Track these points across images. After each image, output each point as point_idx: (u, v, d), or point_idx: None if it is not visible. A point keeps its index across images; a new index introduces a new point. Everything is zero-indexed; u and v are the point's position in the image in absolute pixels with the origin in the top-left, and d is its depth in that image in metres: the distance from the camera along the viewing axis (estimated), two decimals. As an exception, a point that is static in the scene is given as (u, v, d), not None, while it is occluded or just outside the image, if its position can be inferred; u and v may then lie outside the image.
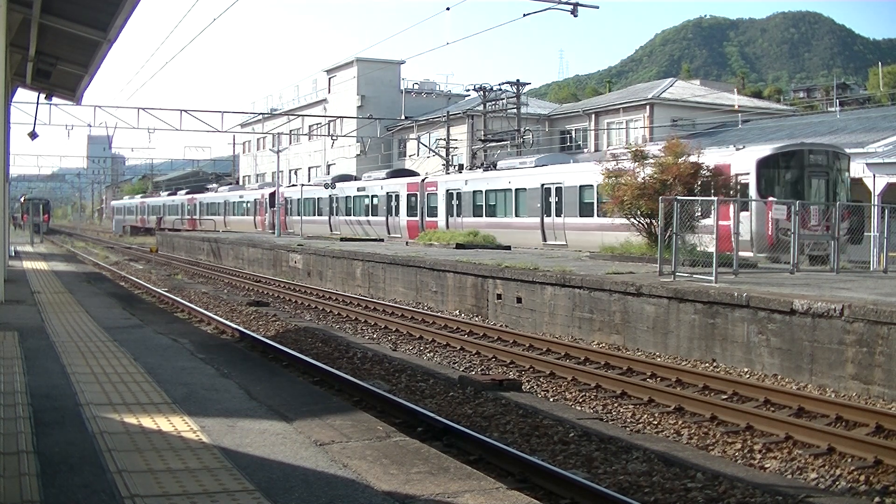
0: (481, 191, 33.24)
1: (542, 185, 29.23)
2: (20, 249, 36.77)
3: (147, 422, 6.63)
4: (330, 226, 45.02)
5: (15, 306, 15.01)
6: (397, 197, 38.92)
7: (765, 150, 21.82)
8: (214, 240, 43.62)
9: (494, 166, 35.48)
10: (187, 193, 70.06)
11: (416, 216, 37.38)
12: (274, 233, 46.16)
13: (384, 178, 41.21)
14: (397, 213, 38.88)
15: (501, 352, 14.54)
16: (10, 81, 19.55)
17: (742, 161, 21.36)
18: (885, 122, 32.70)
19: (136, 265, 39.23)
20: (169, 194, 76.68)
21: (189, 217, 66.09)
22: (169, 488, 4.97)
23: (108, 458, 5.58)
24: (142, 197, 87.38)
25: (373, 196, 41.34)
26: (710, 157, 21.34)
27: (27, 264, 27.94)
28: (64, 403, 7.21)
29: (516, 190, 31.04)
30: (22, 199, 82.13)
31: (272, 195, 50.41)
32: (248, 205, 55.76)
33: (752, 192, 20.74)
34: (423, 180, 37.46)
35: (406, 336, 16.94)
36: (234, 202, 58.58)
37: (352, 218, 43.07)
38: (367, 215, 41.60)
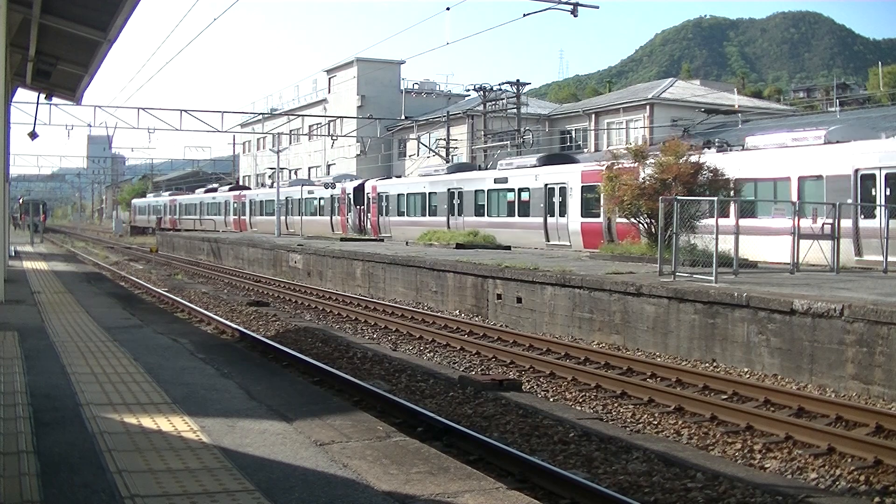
0: None
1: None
2: (20, 249, 36.76)
3: (147, 422, 6.63)
4: (449, 226, 34.16)
5: (15, 306, 15.00)
6: (563, 191, 28.51)
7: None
8: (214, 240, 43.64)
9: None
10: (231, 190, 62.66)
11: (598, 217, 26.70)
12: (363, 235, 39.41)
13: (538, 166, 30.69)
14: (563, 213, 28.63)
15: (501, 352, 14.54)
16: (10, 81, 19.54)
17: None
18: (885, 122, 32.67)
19: (136, 265, 39.23)
20: (205, 191, 67.98)
21: (235, 217, 58.02)
22: (169, 488, 4.96)
23: (108, 458, 5.58)
24: (170, 194, 78.52)
25: (520, 190, 30.71)
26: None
27: (27, 264, 27.94)
28: (64, 403, 7.21)
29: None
30: (20, 201, 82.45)
31: (358, 190, 42.72)
32: (323, 202, 46.74)
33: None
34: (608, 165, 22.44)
35: (406, 336, 16.94)
36: (300, 199, 48.98)
37: (489, 219, 32.19)
38: (511, 215, 31.18)
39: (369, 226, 41.13)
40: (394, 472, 5.53)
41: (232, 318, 18.85)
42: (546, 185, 29.23)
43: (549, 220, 29.19)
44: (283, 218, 47.68)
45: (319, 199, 47.23)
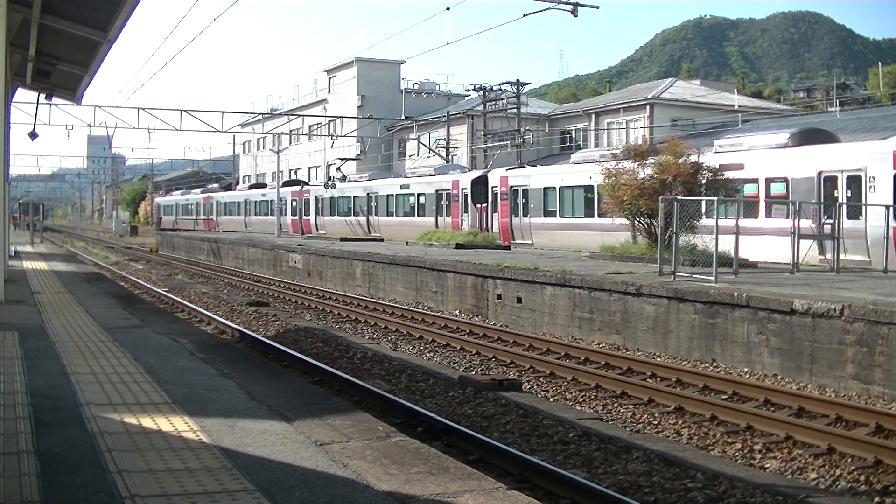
0: None
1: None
2: (20, 249, 36.77)
3: (147, 422, 6.63)
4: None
5: (15, 306, 15.00)
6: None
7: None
8: (214, 240, 43.68)
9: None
10: (286, 185, 51.57)
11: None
12: (491, 241, 29.28)
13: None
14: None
15: (501, 352, 14.54)
16: (10, 81, 19.54)
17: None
18: (885, 122, 32.70)
19: (136, 265, 39.24)
20: (250, 187, 59.64)
21: (295, 217, 48.94)
22: (169, 488, 4.96)
23: (108, 458, 5.58)
24: (203, 191, 68.52)
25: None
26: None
27: (27, 264, 27.94)
28: (64, 403, 7.21)
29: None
30: (20, 202, 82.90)
31: (479, 183, 32.64)
32: (424, 199, 36.43)
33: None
34: None
35: (406, 336, 16.94)
36: (388, 196, 39.48)
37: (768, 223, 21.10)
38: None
39: (497, 228, 31.38)
40: (394, 472, 5.53)
41: (232, 318, 18.85)
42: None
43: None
44: (360, 218, 40.78)
45: (418, 195, 36.87)
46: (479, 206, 32.57)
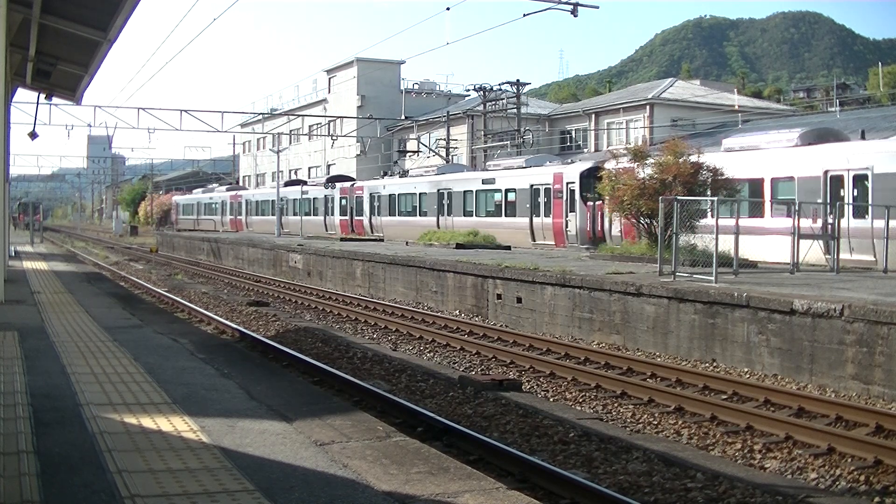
0: None
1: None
2: (20, 249, 36.77)
3: (147, 422, 6.63)
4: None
5: (15, 306, 15.00)
6: None
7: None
8: (214, 240, 43.67)
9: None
10: (333, 181, 45.85)
11: None
12: (611, 251, 22.23)
13: None
14: None
15: (501, 352, 14.54)
16: (10, 81, 19.54)
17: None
18: (885, 122, 32.69)
19: (136, 265, 39.24)
20: (287, 184, 52.52)
21: (343, 217, 43.60)
22: (169, 488, 4.96)
23: (109, 458, 5.58)
24: (228, 189, 61.87)
25: None
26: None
27: (27, 264, 27.94)
28: (64, 403, 7.21)
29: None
30: (20, 202, 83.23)
31: (590, 175, 26.21)
32: (514, 196, 30.79)
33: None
34: None
35: (406, 336, 16.94)
36: (466, 192, 34.13)
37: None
38: None
39: (617, 231, 25.06)
40: (394, 472, 5.53)
41: (232, 318, 18.85)
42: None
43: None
44: (428, 219, 35.49)
45: (506, 191, 31.34)
46: (589, 203, 26.86)
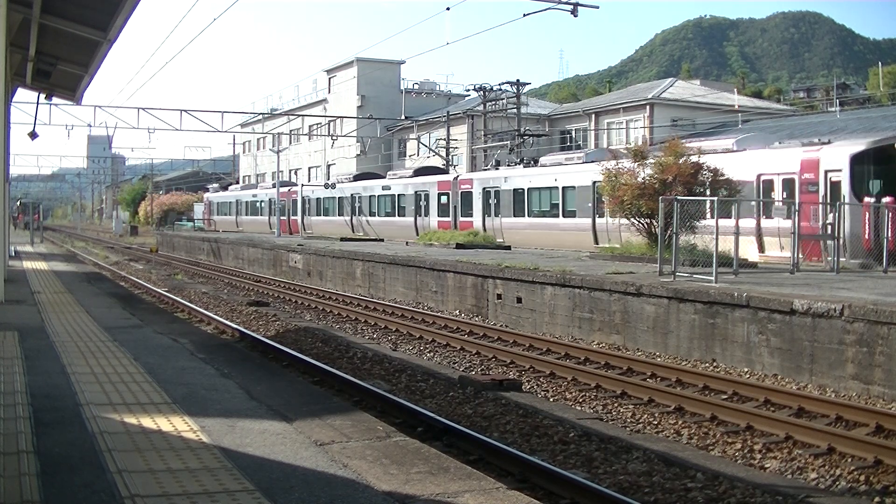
0: None
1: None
2: (20, 249, 36.77)
3: (147, 422, 6.63)
4: None
5: (15, 306, 15.00)
6: None
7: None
8: (214, 240, 43.66)
9: None
10: (418, 175, 38.93)
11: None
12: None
13: None
14: None
15: (501, 352, 14.54)
16: (10, 81, 19.55)
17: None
18: (885, 122, 32.70)
19: (136, 265, 39.23)
20: (354, 178, 45.22)
21: (450, 219, 35.09)
22: (169, 488, 4.96)
23: (109, 458, 5.58)
24: (280, 185, 48.71)
25: None
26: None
27: (27, 264, 27.94)
28: (64, 403, 7.21)
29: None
30: (19, 202, 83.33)
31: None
32: (574, 193, 27.85)
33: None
34: None
35: (406, 336, 16.94)
36: (524, 189, 30.64)
37: None
38: None
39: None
40: (394, 472, 5.53)
41: (232, 318, 18.85)
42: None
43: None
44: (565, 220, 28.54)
45: (564, 188, 28.58)
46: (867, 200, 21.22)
